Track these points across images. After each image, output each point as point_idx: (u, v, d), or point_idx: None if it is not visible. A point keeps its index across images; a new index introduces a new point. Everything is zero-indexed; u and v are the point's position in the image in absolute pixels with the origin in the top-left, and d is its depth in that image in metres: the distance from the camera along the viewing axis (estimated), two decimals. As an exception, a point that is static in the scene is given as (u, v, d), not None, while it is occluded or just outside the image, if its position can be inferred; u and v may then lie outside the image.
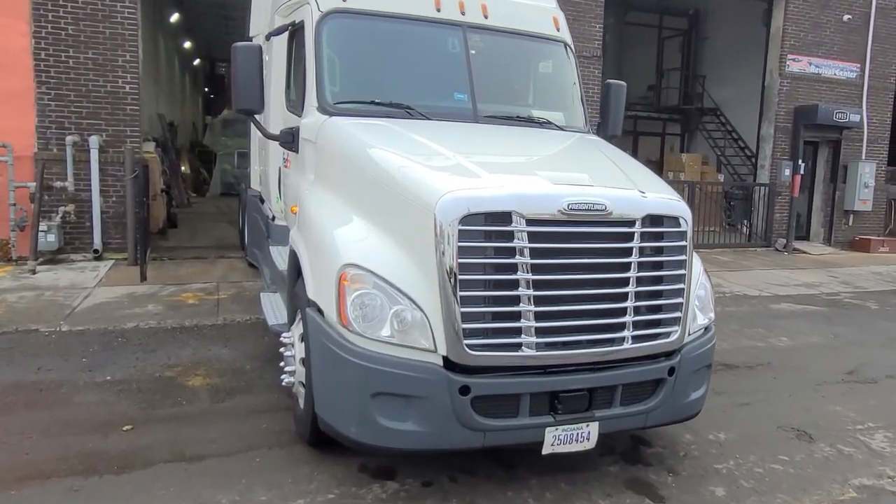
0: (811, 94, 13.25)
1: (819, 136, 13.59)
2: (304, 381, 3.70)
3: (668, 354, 3.45)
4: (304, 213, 3.94)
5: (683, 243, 3.42)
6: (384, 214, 3.34)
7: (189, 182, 20.11)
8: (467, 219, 2.98)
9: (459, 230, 2.97)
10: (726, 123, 16.94)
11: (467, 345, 2.99)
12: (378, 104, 4.23)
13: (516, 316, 3.07)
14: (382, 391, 3.04)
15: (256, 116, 4.39)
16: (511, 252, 3.05)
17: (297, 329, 3.88)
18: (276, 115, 5.26)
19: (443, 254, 2.97)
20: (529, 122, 4.59)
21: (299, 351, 3.78)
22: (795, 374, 5.65)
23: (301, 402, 3.79)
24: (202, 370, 5.08)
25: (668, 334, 3.41)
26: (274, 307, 5.10)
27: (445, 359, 3.03)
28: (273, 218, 5.97)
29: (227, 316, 6.46)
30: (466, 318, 3.00)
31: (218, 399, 4.55)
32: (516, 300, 3.07)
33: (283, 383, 3.90)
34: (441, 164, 3.52)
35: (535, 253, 3.07)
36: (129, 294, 7.11)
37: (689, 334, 3.55)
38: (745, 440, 4.19)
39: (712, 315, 3.80)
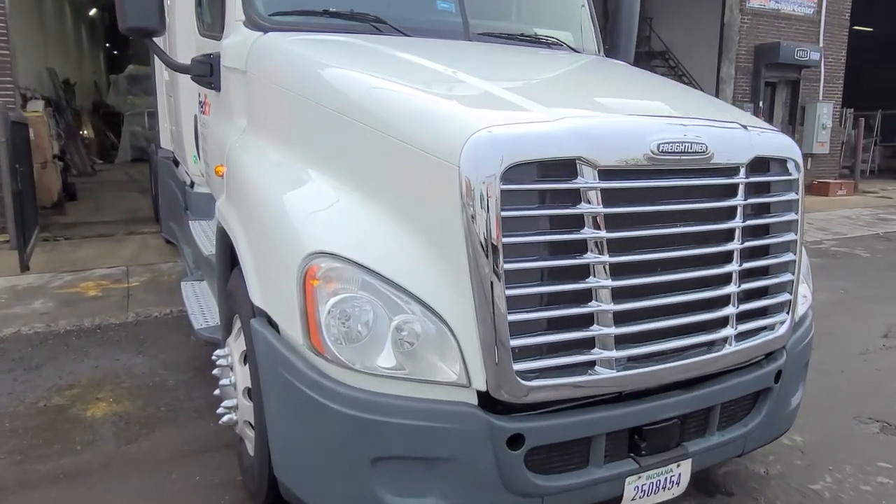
0: (770, 32, 12.59)
1: (778, 76, 13.02)
2: (252, 422, 2.52)
3: (771, 354, 2.47)
4: (235, 175, 2.69)
5: (795, 197, 2.40)
6: (367, 172, 2.15)
7: (94, 148, 17.94)
8: (514, 171, 1.84)
9: (503, 191, 1.83)
10: (677, 66, 16.22)
11: (520, 371, 1.89)
12: (332, 14, 2.97)
13: (587, 320, 1.99)
14: (387, 455, 1.90)
15: (155, 40, 3.07)
16: (576, 222, 1.94)
17: (238, 344, 2.67)
18: (184, 45, 3.90)
19: (475, 230, 1.83)
20: (535, 41, 3.42)
21: (242, 378, 2.59)
22: (829, 342, 4.86)
23: (250, 447, 2.62)
24: (107, 392, 3.78)
25: (774, 326, 2.41)
26: (201, 302, 3.84)
27: (483, 395, 1.93)
28: (192, 184, 4.62)
29: (141, 310, 5.11)
30: (517, 328, 1.89)
31: (129, 437, 3.29)
32: (587, 295, 1.98)
33: (221, 422, 2.70)
34: (456, 90, 2.33)
35: (611, 222, 1.97)
36: (9, 288, 5.60)
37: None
38: (827, 442, 3.31)
39: (811, 293, 2.83)
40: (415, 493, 1.94)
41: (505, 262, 1.84)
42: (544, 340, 1.94)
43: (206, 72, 3.17)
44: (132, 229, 7.89)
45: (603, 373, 2.01)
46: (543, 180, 1.90)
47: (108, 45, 29.90)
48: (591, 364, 2.01)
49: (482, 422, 1.91)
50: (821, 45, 13.08)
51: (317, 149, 2.34)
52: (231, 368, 2.68)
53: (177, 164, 5.45)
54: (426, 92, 2.19)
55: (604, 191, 1.94)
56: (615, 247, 1.98)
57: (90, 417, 3.49)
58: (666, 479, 2.23)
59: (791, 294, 2.44)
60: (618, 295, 2.00)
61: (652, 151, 1.99)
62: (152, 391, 3.80)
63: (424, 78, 2.38)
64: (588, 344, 2.00)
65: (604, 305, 1.98)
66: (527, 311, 1.90)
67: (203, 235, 3.87)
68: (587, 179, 1.92)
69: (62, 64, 17.42)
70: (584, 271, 1.96)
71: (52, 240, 7.32)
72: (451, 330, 1.89)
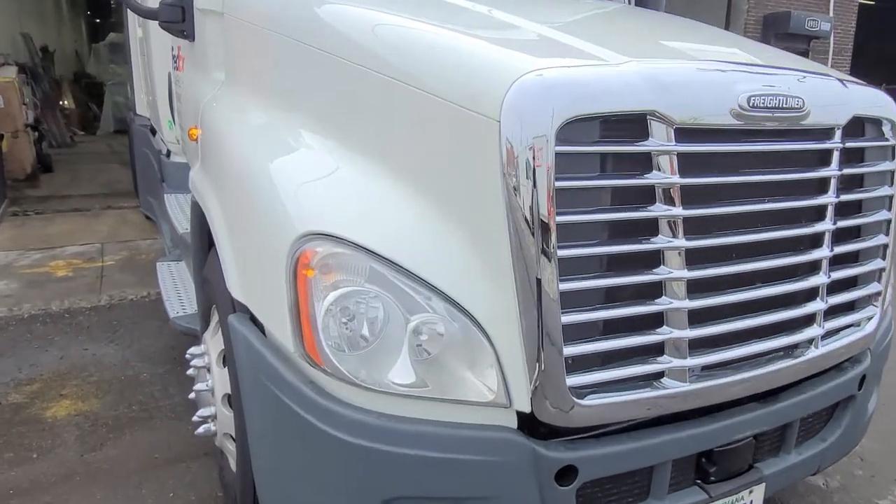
0: (780, 1, 12.07)
1: (787, 47, 12.49)
2: (233, 434, 2.10)
3: (854, 356, 2.07)
4: (211, 139, 2.22)
5: (891, 167, 1.97)
6: (378, 133, 1.68)
7: (74, 118, 17.26)
8: (570, 129, 1.40)
9: (557, 154, 1.39)
10: (679, 38, 15.66)
11: (573, 387, 1.47)
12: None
13: (655, 320, 1.57)
14: (403, 496, 1.48)
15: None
16: (645, 196, 1.51)
17: (215, 342, 2.23)
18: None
19: (519, 206, 1.39)
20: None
21: (220, 382, 2.16)
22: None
23: (232, 462, 2.20)
24: (72, 388, 3.35)
25: (861, 323, 2.01)
26: (178, 286, 3.40)
27: (526, 418, 1.51)
28: (168, 153, 4.14)
29: (115, 293, 4.65)
30: (571, 332, 1.46)
31: (94, 443, 2.87)
32: (656, 289, 1.56)
33: (197, 433, 2.27)
34: (494, 30, 1.85)
35: (689, 196, 1.54)
36: (-29, 268, 5.14)
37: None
38: (889, 449, 2.94)
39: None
40: (435, 539, 1.53)
41: (559, 246, 1.41)
42: (605, 347, 1.51)
43: (177, 17, 2.68)
44: (110, 203, 7.38)
45: (673, 386, 1.59)
46: (607, 141, 1.46)
47: (89, 13, 28.84)
48: (659, 375, 1.59)
49: (525, 451, 1.49)
50: (831, 14, 12.57)
51: (312, 105, 1.87)
52: (208, 370, 2.25)
53: (153, 132, 4.96)
54: (456, 31, 1.72)
55: (681, 155, 1.51)
56: (691, 228, 1.56)
57: (51, 418, 3.06)
58: (740, 510, 1.84)
59: (882, 284, 2.03)
60: (694, 290, 1.58)
61: (741, 106, 1.55)
62: (124, 386, 3.37)
63: (452, 15, 1.91)
64: (655, 350, 1.59)
65: (677, 302, 1.56)
66: (584, 310, 1.48)
67: (178, 210, 3.41)
68: (660, 140, 1.49)
69: (39, 30, 16.61)
70: (651, 259, 1.54)
71: (22, 214, 6.81)
72: (485, 334, 1.46)
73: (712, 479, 1.77)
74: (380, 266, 1.48)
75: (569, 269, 1.44)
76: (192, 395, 2.34)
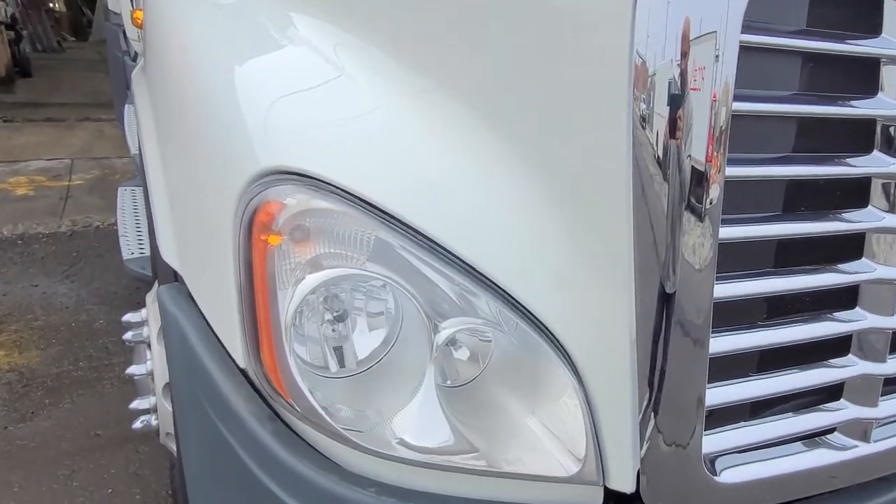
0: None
1: None
2: (174, 434, 1.53)
3: None
4: (152, 23, 1.54)
5: None
6: (401, 22, 0.98)
7: (64, 23, 16.29)
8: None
9: (743, 44, 0.74)
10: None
11: (710, 453, 0.88)
12: None
13: (836, 347, 0.96)
14: None
15: None
16: (862, 139, 0.87)
17: (156, 309, 1.63)
18: None
19: (651, 137, 0.75)
20: None
21: (161, 366, 1.57)
22: None
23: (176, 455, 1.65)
24: (9, 335, 2.79)
25: None
26: (138, 218, 2.81)
27: (617, 499, 0.91)
28: (135, 56, 3.43)
29: (78, 218, 4.04)
30: (718, 365, 0.85)
31: (24, 411, 2.32)
32: (844, 298, 0.94)
33: (134, 427, 1.70)
34: None
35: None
36: (-83, 180, 4.51)
37: None
38: None
39: None
40: None
41: (723, 221, 0.78)
42: (759, 391, 0.90)
43: None
44: (88, 115, 6.68)
45: (851, 446, 0.99)
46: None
47: None
48: (828, 431, 0.99)
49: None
50: None
51: None
52: (147, 346, 1.65)
53: (125, 33, 4.20)
54: None
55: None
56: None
57: (-23, 373, 2.51)
58: None
59: None
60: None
61: None
62: (73, 336, 2.81)
63: None
64: (831, 394, 0.98)
65: (874, 317, 0.94)
66: (740, 331, 0.87)
67: (132, 125, 2.76)
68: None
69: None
70: (842, 247, 0.91)
71: (-11, 121, 6.14)
72: (570, 362, 0.85)
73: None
74: (393, 235, 0.85)
75: (730, 258, 0.82)
76: (130, 370, 1.76)
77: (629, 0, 0.73)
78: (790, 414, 0.97)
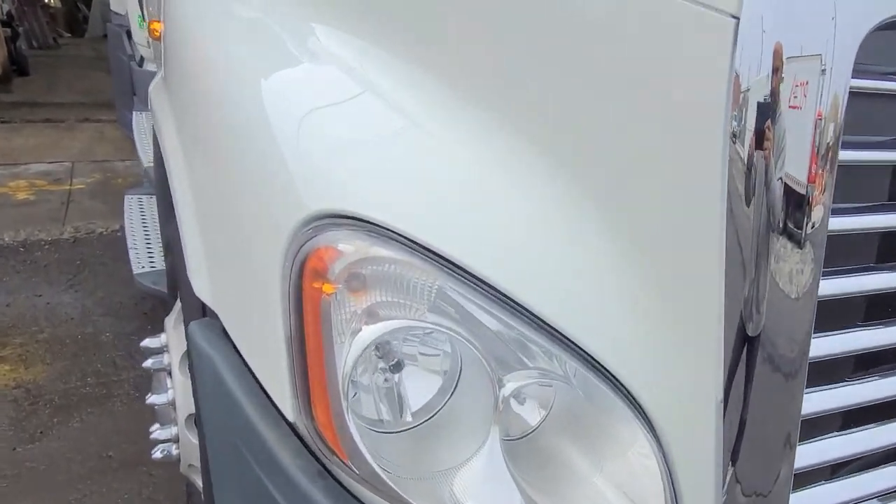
0: None
1: None
2: (199, 464, 1.47)
3: None
4: (176, 35, 1.47)
5: None
6: (461, 50, 0.89)
7: (60, 18, 16.11)
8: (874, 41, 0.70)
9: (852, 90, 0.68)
10: None
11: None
12: None
13: None
14: None
15: None
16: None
17: (179, 335, 1.56)
18: None
19: (748, 165, 0.68)
20: None
21: (183, 395, 1.51)
22: None
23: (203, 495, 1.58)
24: (15, 348, 2.72)
25: None
26: (147, 228, 2.74)
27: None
28: (141, 60, 3.36)
29: (81, 224, 3.96)
30: (809, 423, 0.80)
31: (32, 430, 2.25)
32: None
33: (155, 457, 1.63)
34: None
35: None
36: (-85, 184, 4.42)
37: None
38: None
39: None
40: None
41: (824, 272, 0.72)
42: (844, 450, 0.85)
43: None
44: (88, 115, 6.58)
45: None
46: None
47: None
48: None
49: None
50: None
51: None
52: (168, 374, 1.59)
53: (129, 35, 4.13)
54: None
55: None
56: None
57: (-18, 391, 2.44)
58: None
59: None
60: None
61: None
62: (80, 349, 2.74)
63: None
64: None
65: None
66: (834, 385, 0.81)
67: (144, 134, 2.68)
68: None
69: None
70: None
71: (-13, 122, 6.04)
72: (649, 423, 0.79)
73: None
74: (460, 285, 0.79)
75: (831, 311, 0.76)
76: (149, 399, 1.70)
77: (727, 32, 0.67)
78: (868, 470, 0.92)
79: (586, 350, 0.79)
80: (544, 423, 0.86)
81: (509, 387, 0.81)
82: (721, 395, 0.76)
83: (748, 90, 0.68)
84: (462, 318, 0.80)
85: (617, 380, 0.79)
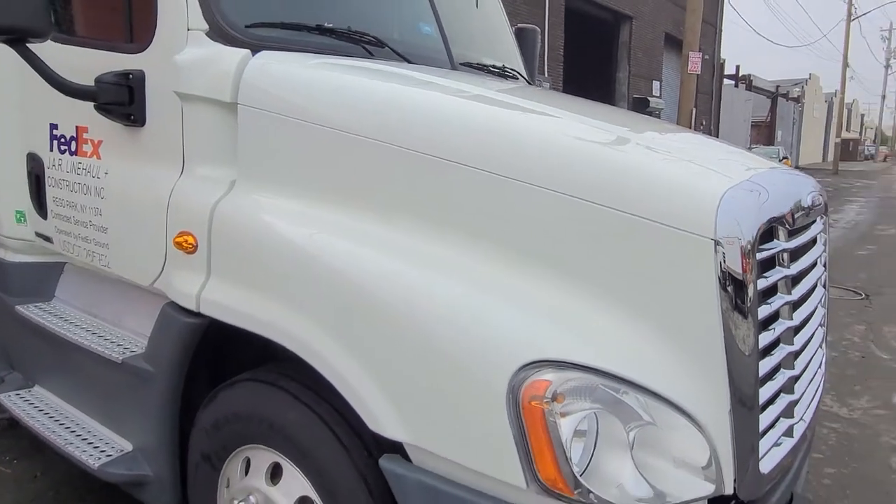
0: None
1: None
2: None
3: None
4: (281, 255, 1.84)
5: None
6: (553, 251, 1.66)
7: None
8: (765, 234, 1.65)
9: (756, 260, 1.60)
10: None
11: (763, 454, 1.69)
12: (324, 31, 2.33)
13: (790, 385, 1.86)
14: None
15: (33, 45, 2.08)
16: (775, 289, 1.79)
17: (286, 488, 1.89)
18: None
19: (729, 306, 1.54)
20: (503, 72, 3.16)
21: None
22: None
23: None
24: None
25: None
26: (72, 421, 2.72)
27: (728, 500, 1.64)
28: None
29: None
30: (767, 413, 1.69)
31: None
32: (786, 361, 1.84)
33: None
34: (621, 144, 1.92)
35: (794, 281, 1.87)
36: None
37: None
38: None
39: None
40: None
41: (761, 335, 1.62)
42: (772, 417, 1.75)
43: (123, 98, 2.21)
44: None
45: (791, 441, 1.88)
46: (765, 246, 1.70)
47: None
48: (790, 432, 1.87)
49: (733, 533, 1.63)
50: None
51: (462, 229, 1.74)
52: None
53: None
54: (607, 143, 1.81)
55: (790, 251, 1.82)
56: (795, 306, 1.89)
57: None
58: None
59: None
60: (798, 356, 1.91)
61: (806, 206, 1.94)
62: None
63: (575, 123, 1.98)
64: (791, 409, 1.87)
65: (793, 370, 1.86)
66: (774, 389, 1.72)
67: (58, 319, 2.69)
68: (781, 242, 1.77)
69: None
70: (789, 335, 1.82)
71: None
72: (704, 431, 1.57)
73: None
74: (606, 383, 1.50)
75: (768, 352, 1.68)
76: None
77: (708, 245, 1.52)
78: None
79: (673, 401, 1.53)
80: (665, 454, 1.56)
81: (636, 432, 1.51)
82: (729, 406, 1.58)
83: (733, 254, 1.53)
84: (609, 400, 1.50)
85: (689, 414, 1.55)
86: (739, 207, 1.57)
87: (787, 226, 1.79)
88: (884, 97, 74.93)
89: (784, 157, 23.22)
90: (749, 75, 38.21)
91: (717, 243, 1.52)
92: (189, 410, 2.22)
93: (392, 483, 1.61)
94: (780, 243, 1.75)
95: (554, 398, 1.46)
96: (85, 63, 2.31)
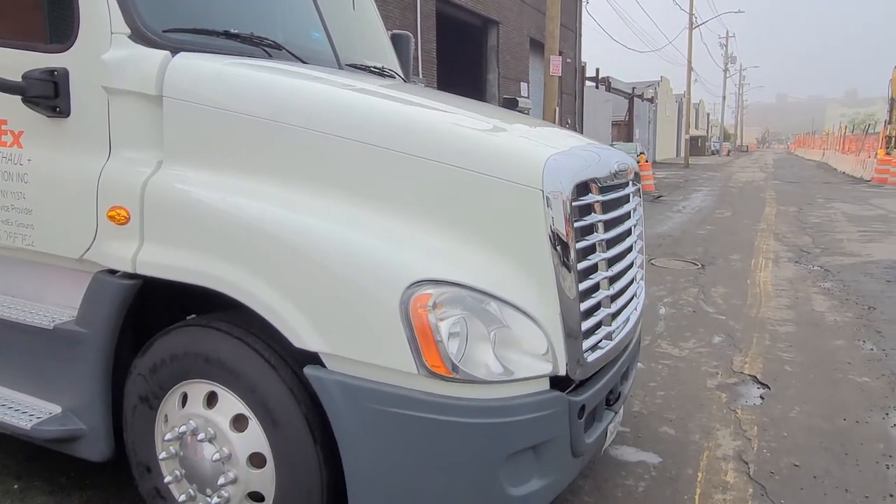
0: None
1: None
2: (263, 491, 2.27)
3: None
4: (213, 217, 2.27)
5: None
6: (423, 203, 2.23)
7: None
8: (579, 188, 2.29)
9: (573, 206, 2.24)
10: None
11: (585, 349, 2.32)
12: (230, 36, 2.74)
13: (607, 301, 2.53)
14: (516, 449, 2.11)
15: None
16: (592, 228, 2.45)
17: (221, 410, 2.30)
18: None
19: (554, 240, 2.17)
20: (381, 72, 3.68)
21: (242, 445, 2.27)
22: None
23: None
24: None
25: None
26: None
27: (561, 379, 2.27)
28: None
29: None
30: (586, 314, 2.33)
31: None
32: (603, 283, 2.51)
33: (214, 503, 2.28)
34: (476, 123, 2.55)
35: (605, 226, 2.54)
36: None
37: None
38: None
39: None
40: (524, 479, 2.18)
41: (579, 263, 2.25)
42: (595, 321, 2.40)
43: (49, 92, 2.50)
44: None
45: (611, 342, 2.56)
46: (579, 197, 2.34)
47: None
48: (610, 336, 2.54)
49: (565, 402, 2.26)
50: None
51: (344, 186, 2.26)
52: (211, 440, 2.30)
53: None
54: (461, 125, 2.39)
55: (602, 203, 2.49)
56: (608, 245, 2.56)
57: None
58: (617, 421, 2.90)
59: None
60: (612, 281, 2.58)
61: (613, 171, 2.63)
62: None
63: (444, 108, 2.54)
64: (609, 320, 2.53)
65: (606, 291, 2.53)
66: (592, 298, 2.38)
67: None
68: (594, 195, 2.44)
69: None
70: (599, 266, 2.48)
71: None
72: (542, 329, 2.18)
73: (612, 403, 2.78)
74: (472, 295, 2.07)
75: (584, 275, 2.31)
76: (169, 479, 2.35)
77: (538, 194, 2.14)
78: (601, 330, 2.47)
79: (522, 308, 2.14)
80: (516, 345, 2.15)
81: (496, 330, 2.10)
82: (559, 308, 2.20)
83: (555, 205, 2.16)
84: (476, 307, 2.07)
85: (532, 317, 2.16)
86: (561, 167, 2.21)
87: (598, 183, 2.45)
88: (724, 98, 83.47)
89: (641, 153, 25.37)
90: (608, 77, 41.28)
91: (544, 194, 2.14)
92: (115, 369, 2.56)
93: (315, 385, 2.09)
94: (594, 196, 2.42)
95: (434, 306, 2.01)
96: (5, 61, 2.58)
